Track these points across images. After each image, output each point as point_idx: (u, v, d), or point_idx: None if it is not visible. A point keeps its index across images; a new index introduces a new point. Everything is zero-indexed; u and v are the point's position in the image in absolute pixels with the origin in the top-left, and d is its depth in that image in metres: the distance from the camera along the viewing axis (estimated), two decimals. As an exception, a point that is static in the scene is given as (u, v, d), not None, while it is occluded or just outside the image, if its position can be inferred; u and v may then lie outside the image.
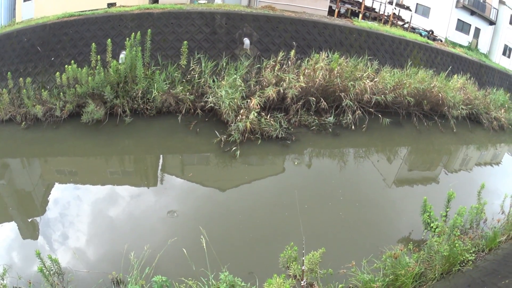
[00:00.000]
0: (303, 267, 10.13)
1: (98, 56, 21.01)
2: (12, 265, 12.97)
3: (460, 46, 38.34)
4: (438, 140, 23.98)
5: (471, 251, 12.24)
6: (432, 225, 13.78)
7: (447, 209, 14.02)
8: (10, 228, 15.50)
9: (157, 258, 12.53)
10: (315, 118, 22.31)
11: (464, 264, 11.87)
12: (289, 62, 22.54)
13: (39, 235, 15.17)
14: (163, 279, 10.42)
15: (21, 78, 20.99)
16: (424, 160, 22.80)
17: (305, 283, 9.93)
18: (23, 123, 20.78)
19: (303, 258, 10.59)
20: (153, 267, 12.09)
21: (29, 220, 15.88)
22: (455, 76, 26.97)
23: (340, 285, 11.62)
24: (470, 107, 26.06)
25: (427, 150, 23.57)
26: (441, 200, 14.31)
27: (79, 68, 20.73)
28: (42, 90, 21.09)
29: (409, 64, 25.71)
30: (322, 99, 22.08)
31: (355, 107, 22.37)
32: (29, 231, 15.39)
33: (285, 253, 12.13)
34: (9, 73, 21.01)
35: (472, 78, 28.91)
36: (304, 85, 21.53)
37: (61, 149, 20.28)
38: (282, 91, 21.50)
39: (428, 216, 14.03)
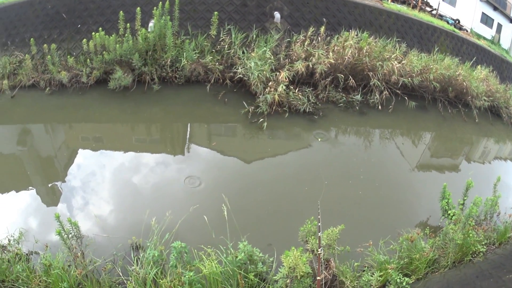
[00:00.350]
0: (319, 233, 9.97)
1: (127, 24, 20.86)
2: (30, 231, 13.02)
3: (484, 38, 38.24)
4: (461, 129, 23.84)
5: (483, 243, 12.25)
6: (449, 212, 13.72)
7: (465, 198, 13.98)
8: (30, 194, 15.54)
9: (178, 225, 12.53)
10: (343, 95, 22.23)
11: (475, 255, 11.90)
12: (319, 38, 22.40)
13: (60, 201, 15.18)
14: (182, 245, 10.49)
15: (45, 45, 20.89)
16: (446, 148, 22.69)
17: (321, 251, 9.77)
18: (47, 89, 20.74)
19: (320, 234, 10.44)
20: (173, 234, 12.09)
21: (50, 186, 15.87)
22: (479, 66, 26.85)
23: (355, 263, 11.68)
24: (491, 99, 25.86)
25: (450, 137, 23.43)
26: (460, 188, 14.26)
27: (107, 36, 20.67)
28: (68, 56, 21.01)
29: (436, 50, 25.55)
30: (350, 77, 21.96)
31: (382, 87, 22.24)
32: (50, 197, 15.42)
33: (304, 227, 12.10)
34: (32, 39, 20.90)
35: (494, 72, 28.72)
36: (333, 61, 21.43)
37: (86, 115, 20.22)
38: (311, 66, 21.39)
39: (446, 203, 13.99)
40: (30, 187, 15.87)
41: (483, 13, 40.65)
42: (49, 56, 20.64)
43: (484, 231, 12.78)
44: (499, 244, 12.75)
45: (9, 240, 11.98)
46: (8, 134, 19.21)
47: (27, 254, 12.04)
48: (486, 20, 41.12)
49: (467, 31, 37.03)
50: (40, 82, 20.89)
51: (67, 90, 20.91)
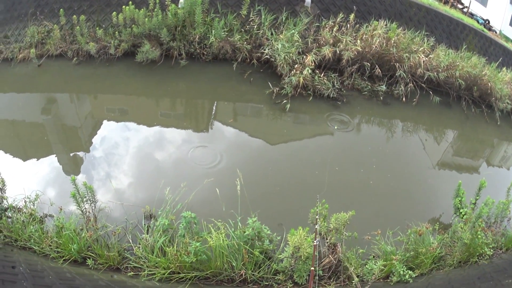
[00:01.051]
0: (317, 226, 10.03)
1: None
2: (47, 195, 13.45)
3: (512, 42, 37.77)
4: (483, 130, 23.54)
5: (491, 246, 12.31)
6: (461, 211, 13.63)
7: (477, 197, 13.81)
8: (52, 162, 15.93)
9: (191, 196, 12.80)
10: (368, 83, 22.17)
11: (481, 257, 12.00)
12: (348, 25, 22.29)
13: (81, 170, 15.50)
14: (191, 215, 10.64)
15: (74, 16, 21.08)
16: (467, 148, 22.46)
17: (317, 242, 9.82)
18: (74, 59, 21.02)
19: (317, 226, 10.51)
20: (186, 204, 12.41)
21: (72, 154, 16.21)
22: (504, 69, 26.53)
23: (361, 250, 11.77)
24: (515, 103, 25.58)
25: (471, 138, 23.19)
26: (476, 190, 14.07)
27: (137, 9, 20.82)
28: (97, 28, 21.23)
29: (463, 47, 25.27)
30: (376, 66, 21.88)
31: (408, 79, 22.11)
32: (71, 166, 15.76)
33: (315, 209, 12.07)
34: (61, 10, 21.12)
35: (520, 76, 28.35)
36: (360, 49, 21.36)
37: (112, 86, 20.59)
38: (338, 52, 21.33)
39: (459, 201, 13.88)
40: (52, 155, 16.22)
41: (513, 15, 40.05)
42: (78, 27, 20.91)
43: (493, 234, 12.80)
44: (506, 249, 12.79)
45: (25, 202, 12.29)
46: (33, 102, 19.54)
47: (41, 216, 12.39)
48: (516, 23, 40.50)
49: (496, 32, 36.58)
50: (68, 52, 21.20)
51: (94, 61, 21.18)
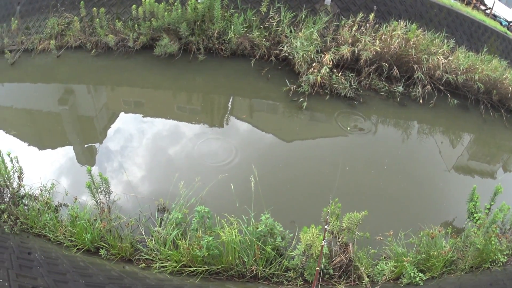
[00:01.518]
0: (326, 226, 9.93)
1: (177, -7, 21.04)
2: (63, 185, 13.57)
3: (537, 45, 37.33)
4: (501, 135, 23.34)
5: (505, 253, 12.11)
6: (475, 215, 13.46)
7: (492, 203, 13.57)
8: (67, 152, 16.13)
9: (205, 190, 12.84)
10: (385, 84, 22.08)
11: (495, 263, 11.81)
12: (368, 24, 22.24)
13: (95, 160, 15.64)
14: (205, 210, 10.68)
15: (94, 8, 21.30)
16: (484, 152, 22.27)
17: (324, 243, 9.78)
18: (93, 51, 21.28)
19: (327, 227, 10.46)
20: (200, 199, 12.46)
21: (88, 146, 16.36)
22: (526, 73, 26.30)
23: (372, 250, 11.70)
24: (536, 109, 25.32)
25: (488, 142, 23.00)
26: (491, 195, 13.80)
27: (156, 3, 20.96)
28: (116, 20, 21.44)
29: (484, 50, 25.10)
30: (394, 67, 21.80)
31: (426, 81, 22.01)
32: (86, 157, 15.96)
33: (327, 208, 12.02)
34: (82, 1, 21.32)
35: (543, 81, 28.04)
36: (379, 49, 21.30)
37: (130, 78, 20.70)
38: (356, 51, 21.31)
39: (473, 205, 13.64)
40: (67, 145, 16.39)
41: (540, 20, 39.49)
42: (97, 19, 21.16)
43: (508, 241, 12.64)
44: (521, 257, 12.65)
45: (41, 190, 12.44)
46: (51, 93, 19.75)
47: (56, 206, 12.53)
48: (542, 28, 39.95)
49: (519, 35, 36.19)
50: (87, 44, 21.49)
51: (113, 53, 21.42)
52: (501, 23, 34.14)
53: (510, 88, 23.10)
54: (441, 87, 22.33)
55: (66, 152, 15.99)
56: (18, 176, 12.19)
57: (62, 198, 12.68)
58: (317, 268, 9.04)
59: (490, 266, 11.75)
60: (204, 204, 11.44)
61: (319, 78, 20.07)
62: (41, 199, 12.20)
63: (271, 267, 11.04)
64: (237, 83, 21.40)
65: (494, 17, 35.80)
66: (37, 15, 21.95)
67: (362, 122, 19.93)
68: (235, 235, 10.79)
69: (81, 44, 21.51)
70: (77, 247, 11.01)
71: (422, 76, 21.84)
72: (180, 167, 15.45)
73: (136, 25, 21.41)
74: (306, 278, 11.01)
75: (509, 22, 37.15)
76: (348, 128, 19.15)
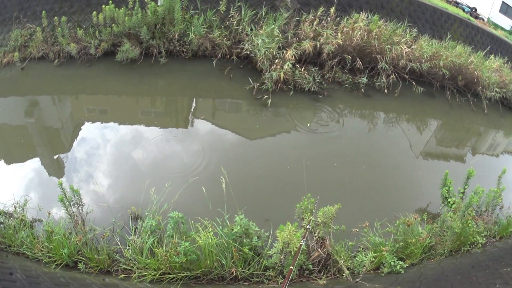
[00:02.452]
0: (308, 226, 9.86)
1: (137, -3, 20.88)
2: (35, 199, 13.27)
3: (502, 29, 37.81)
4: (469, 119, 23.67)
5: (483, 235, 12.25)
6: (449, 200, 13.60)
7: (465, 187, 13.82)
8: (36, 165, 15.73)
9: (176, 196, 12.65)
10: (349, 76, 22.20)
11: (474, 246, 11.92)
12: (329, 18, 22.25)
13: (64, 172, 15.37)
14: (179, 215, 10.54)
15: (56, 17, 20.90)
16: (453, 137, 22.53)
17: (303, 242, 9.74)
18: (56, 61, 20.85)
19: (308, 227, 10.42)
20: (172, 204, 12.23)
21: (55, 157, 16.03)
22: (492, 56, 26.56)
23: (350, 243, 11.63)
24: (504, 91, 25.50)
25: (456, 127, 23.29)
26: (463, 178, 14.08)
27: (117, 8, 20.70)
28: (78, 28, 21.04)
29: (448, 37, 25.35)
30: (358, 59, 21.89)
31: (390, 71, 22.15)
32: (55, 168, 15.58)
33: (301, 204, 12.07)
34: (43, 12, 20.94)
35: (509, 63, 28.33)
36: (341, 42, 21.35)
37: (93, 86, 20.38)
38: (318, 45, 21.34)
39: (447, 190, 13.84)
40: (36, 158, 16.02)
41: (503, 2, 39.96)
42: (59, 28, 20.76)
43: (485, 222, 12.76)
44: (500, 237, 12.75)
45: (15, 207, 12.19)
46: (16, 106, 19.33)
47: (31, 221, 12.23)
48: (506, 9, 40.44)
49: (483, 20, 36.66)
50: (49, 54, 21.04)
51: (75, 62, 21.07)
52: (463, 10, 34.65)
53: (475, 73, 23.45)
54: (405, 76, 22.52)
55: (37, 166, 15.66)
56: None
57: (36, 213, 12.43)
58: (291, 267, 8.95)
59: (469, 248, 11.84)
60: (177, 209, 11.30)
61: (282, 74, 20.05)
62: (16, 216, 11.95)
63: (250, 268, 10.88)
64: (200, 84, 21.22)
65: (456, 4, 36.28)
66: (1, 28, 21.57)
67: (327, 116, 19.93)
68: (211, 238, 10.61)
69: (44, 55, 21.12)
70: (56, 263, 10.74)
71: (386, 66, 21.98)
72: (150, 173, 15.22)
73: (97, 32, 21.14)
74: (286, 275, 10.88)
75: (471, 8, 37.68)
76: (309, 125, 19.02)
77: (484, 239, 12.21)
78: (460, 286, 8.79)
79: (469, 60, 23.79)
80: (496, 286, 8.28)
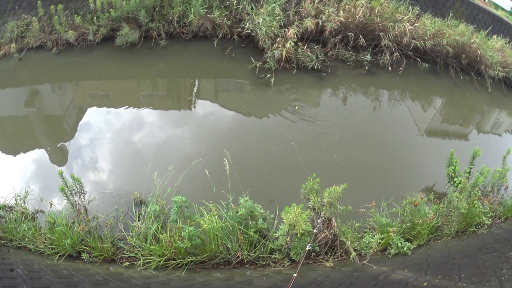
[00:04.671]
0: (315, 230, 9.69)
1: (135, -20, 20.60)
2: (37, 190, 13.10)
3: (503, 9, 37.42)
4: (473, 97, 23.43)
5: (488, 215, 12.12)
6: (455, 179, 13.46)
7: (471, 166, 13.70)
8: (38, 154, 15.58)
9: (180, 179, 12.52)
10: (353, 54, 22.00)
11: (480, 226, 11.79)
12: (330, -5, 21.96)
13: (67, 160, 15.21)
14: (182, 199, 10.37)
15: (52, 6, 20.73)
16: (457, 115, 22.30)
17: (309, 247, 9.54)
18: (54, 49, 20.64)
19: (315, 231, 10.26)
20: (175, 188, 12.13)
21: (58, 145, 15.87)
22: (495, 36, 26.31)
23: (357, 224, 11.51)
24: (506, 71, 25.23)
25: (460, 105, 23.06)
26: (468, 157, 13.97)
27: (114, -7, 20.40)
28: (75, 15, 20.83)
29: (450, 15, 25.05)
30: (360, 36, 21.67)
31: (393, 48, 21.92)
32: (58, 156, 15.47)
33: (306, 184, 11.94)
34: (39, 1, 20.69)
35: (510, 43, 28.08)
36: (343, 20, 21.11)
37: (93, 72, 20.22)
38: (320, 23, 21.10)
39: (452, 169, 13.73)
40: (38, 148, 15.87)
41: (504, -18, 39.52)
42: (56, 17, 20.56)
43: (490, 203, 12.62)
44: (505, 218, 12.62)
45: (16, 200, 12.07)
46: (16, 96, 19.19)
47: (33, 213, 12.12)
48: (507, -10, 39.99)
49: (485, 0, 36.25)
50: (47, 43, 20.86)
51: (74, 49, 20.89)
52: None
53: (478, 51, 23.14)
54: (409, 53, 22.31)
55: (37, 156, 15.52)
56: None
57: (38, 204, 12.33)
58: (294, 275, 8.77)
59: (475, 229, 11.71)
60: (181, 193, 11.29)
61: (284, 52, 19.85)
62: (17, 209, 11.82)
63: (255, 251, 10.75)
64: (202, 65, 21.06)
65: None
66: (-4, 21, 21.39)
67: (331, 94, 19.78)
68: (216, 222, 10.45)
69: (42, 44, 20.92)
70: (59, 254, 10.59)
71: (389, 43, 21.73)
72: (152, 157, 15.12)
73: (95, 17, 20.90)
74: (292, 258, 10.74)
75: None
76: (296, 107, 18.74)
77: (490, 220, 12.10)
78: (467, 270, 8.61)
79: (472, 40, 23.51)
80: (503, 270, 8.10)
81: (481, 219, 11.81)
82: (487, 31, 25.93)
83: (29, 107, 18.22)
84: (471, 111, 22.90)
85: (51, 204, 11.69)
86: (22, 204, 12.03)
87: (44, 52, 20.83)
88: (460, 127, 21.23)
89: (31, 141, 16.26)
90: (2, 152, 15.70)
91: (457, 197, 11.96)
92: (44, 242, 10.80)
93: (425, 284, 8.12)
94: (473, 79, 23.63)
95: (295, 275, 8.83)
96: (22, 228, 11.06)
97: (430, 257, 10.27)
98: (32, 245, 10.82)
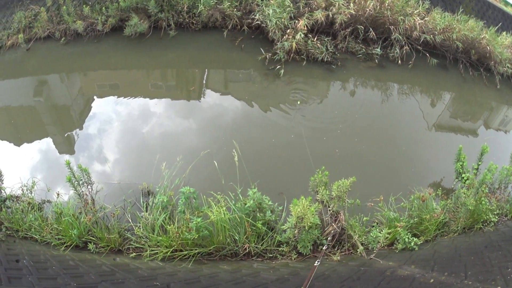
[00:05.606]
0: (324, 247, 9.67)
1: (145, -30, 20.60)
2: (44, 180, 13.13)
3: (512, 6, 37.23)
4: (482, 93, 23.26)
5: (495, 213, 11.98)
6: (463, 175, 13.33)
7: (479, 163, 13.51)
8: (46, 144, 15.68)
9: (188, 170, 12.50)
10: (362, 46, 21.89)
11: (486, 224, 11.66)
12: (341, -12, 21.85)
13: (75, 150, 15.31)
14: (190, 190, 10.30)
15: (60, -4, 20.68)
16: (465, 110, 22.15)
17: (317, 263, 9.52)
18: (62, 39, 20.83)
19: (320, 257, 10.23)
20: (184, 178, 12.14)
21: (66, 135, 15.99)
22: (504, 33, 26.16)
23: (365, 218, 11.43)
24: (516, 68, 25.18)
25: (469, 100, 22.92)
26: (476, 153, 13.76)
27: (123, -17, 20.40)
28: (84, 6, 20.95)
29: (460, 10, 24.89)
30: (371, 29, 21.52)
31: (403, 42, 21.78)
32: (65, 146, 15.54)
33: (315, 177, 11.87)
34: (47, -8, 20.72)
35: (520, 41, 27.90)
36: (353, 12, 21.02)
37: (102, 62, 20.33)
38: (331, 15, 20.99)
39: (461, 165, 13.53)
40: (44, 138, 15.97)
41: (513, -21, 39.28)
42: (64, 7, 20.67)
43: (497, 200, 12.53)
44: (512, 216, 12.52)
45: (22, 190, 12.07)
46: (24, 86, 19.32)
47: (39, 203, 12.15)
48: (516, -13, 39.75)
49: (494, -4, 36.02)
50: (55, 33, 21.03)
51: (82, 39, 21.03)
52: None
53: (488, 47, 22.96)
54: (419, 47, 22.16)
55: (45, 146, 15.61)
56: (-3, 179, 11.81)
57: (44, 194, 12.37)
58: (317, 263, 8.76)
59: (482, 226, 11.62)
60: (189, 184, 11.22)
61: (294, 44, 19.81)
62: (24, 199, 11.86)
63: (263, 243, 10.73)
64: (211, 56, 21.02)
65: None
66: (3, 11, 21.47)
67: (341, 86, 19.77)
68: (224, 213, 10.45)
69: (50, 34, 21.12)
70: (65, 245, 10.63)
71: (399, 37, 21.60)
72: (160, 148, 15.11)
73: (103, 8, 20.99)
74: (300, 251, 10.71)
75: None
76: (299, 102, 18.61)
77: (497, 217, 11.99)
78: (473, 268, 8.56)
79: (482, 36, 23.36)
80: (509, 269, 8.05)
81: (487, 216, 11.71)
82: (497, 27, 25.77)
83: (37, 97, 18.29)
84: (479, 107, 22.76)
85: (58, 194, 11.70)
86: (29, 194, 12.03)
87: (52, 42, 20.96)
88: (468, 123, 21.10)
89: (38, 131, 16.33)
90: (10, 142, 15.74)
91: (464, 194, 11.89)
92: (51, 233, 10.83)
93: (432, 281, 8.08)
94: (482, 75, 23.46)
95: (317, 262, 8.89)
96: (29, 218, 11.08)
97: (437, 253, 10.23)
98: (39, 235, 10.84)
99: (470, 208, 11.32)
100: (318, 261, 9.05)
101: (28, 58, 20.42)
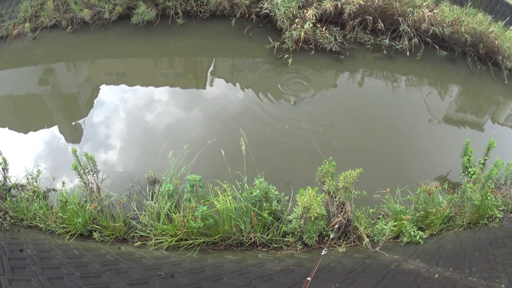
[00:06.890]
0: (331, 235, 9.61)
1: (151, -42, 20.55)
2: (50, 168, 13.14)
3: (520, 1, 37.04)
4: (489, 88, 23.10)
5: (501, 209, 11.94)
6: (470, 170, 13.25)
7: (486, 158, 13.39)
8: (50, 134, 15.70)
9: (194, 158, 12.43)
10: (371, 37, 21.80)
11: (491, 219, 11.60)
12: (349, -22, 21.74)
13: (82, 138, 15.30)
14: (196, 178, 10.25)
15: (67, -15, 20.66)
16: (472, 104, 22.01)
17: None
18: (69, 28, 20.95)
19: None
20: (190, 167, 12.04)
21: (73, 123, 15.96)
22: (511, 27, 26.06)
23: (371, 210, 11.36)
24: (524, 64, 25.04)
25: (477, 94, 22.78)
26: (483, 147, 13.63)
27: (130, -29, 20.34)
28: (91, -6, 20.78)
29: (469, 4, 24.74)
30: (379, 20, 21.44)
31: (412, 34, 21.67)
32: (72, 135, 15.55)
33: (322, 167, 11.81)
34: (54, -19, 20.71)
35: (527, 36, 27.75)
36: (362, 3, 20.89)
37: (109, 50, 20.37)
38: (339, 5, 20.93)
39: (467, 160, 13.45)
40: (51, 127, 16.00)
41: (521, -27, 39.06)
42: (71, -5, 20.47)
43: (503, 196, 12.49)
44: (517, 213, 12.46)
45: (27, 179, 12.07)
46: (30, 74, 19.34)
47: (44, 192, 12.15)
48: (524, -19, 39.50)
49: (502, -10, 35.83)
50: (62, 22, 21.11)
51: (89, 27, 21.12)
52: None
53: (496, 42, 22.82)
54: (428, 39, 22.06)
55: (51, 134, 15.65)
56: (2, 168, 11.89)
57: (50, 183, 12.37)
58: (308, 278, 8.73)
59: (487, 222, 11.58)
60: (195, 172, 11.08)
61: (302, 33, 19.77)
62: (28, 188, 11.85)
63: (269, 233, 10.71)
64: (219, 44, 21.04)
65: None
66: (9, 1, 21.42)
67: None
68: (230, 202, 10.42)
69: (56, 23, 21.23)
70: (70, 233, 10.64)
71: (408, 28, 21.48)
72: (167, 136, 15.13)
73: (111, -4, 20.86)
74: (305, 242, 10.69)
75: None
76: (292, 102, 18.36)
77: (502, 213, 11.95)
78: (478, 264, 8.50)
79: (490, 29, 23.22)
80: (512, 267, 8.01)
81: (493, 212, 11.67)
82: (505, 22, 25.64)
83: (44, 85, 18.36)
84: (486, 101, 22.63)
85: (63, 182, 11.68)
86: (34, 183, 12.04)
87: (59, 31, 21.05)
88: (476, 117, 20.98)
89: (44, 119, 16.38)
90: (16, 131, 15.75)
91: (470, 188, 11.84)
92: (56, 221, 10.84)
93: (436, 276, 8.04)
94: (490, 69, 23.31)
95: (324, 251, 8.87)
96: (34, 207, 11.08)
97: (442, 247, 10.18)
98: (43, 224, 10.85)
99: (476, 203, 11.27)
100: (325, 250, 9.05)
101: (34, 47, 20.47)
